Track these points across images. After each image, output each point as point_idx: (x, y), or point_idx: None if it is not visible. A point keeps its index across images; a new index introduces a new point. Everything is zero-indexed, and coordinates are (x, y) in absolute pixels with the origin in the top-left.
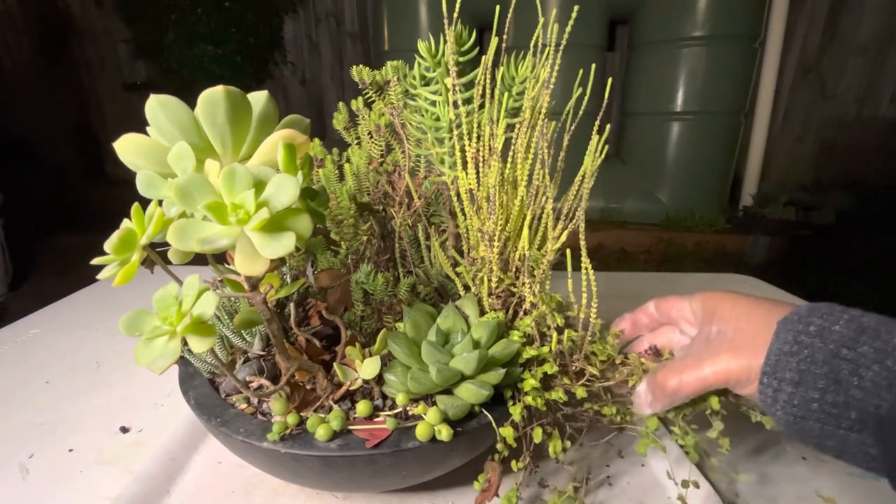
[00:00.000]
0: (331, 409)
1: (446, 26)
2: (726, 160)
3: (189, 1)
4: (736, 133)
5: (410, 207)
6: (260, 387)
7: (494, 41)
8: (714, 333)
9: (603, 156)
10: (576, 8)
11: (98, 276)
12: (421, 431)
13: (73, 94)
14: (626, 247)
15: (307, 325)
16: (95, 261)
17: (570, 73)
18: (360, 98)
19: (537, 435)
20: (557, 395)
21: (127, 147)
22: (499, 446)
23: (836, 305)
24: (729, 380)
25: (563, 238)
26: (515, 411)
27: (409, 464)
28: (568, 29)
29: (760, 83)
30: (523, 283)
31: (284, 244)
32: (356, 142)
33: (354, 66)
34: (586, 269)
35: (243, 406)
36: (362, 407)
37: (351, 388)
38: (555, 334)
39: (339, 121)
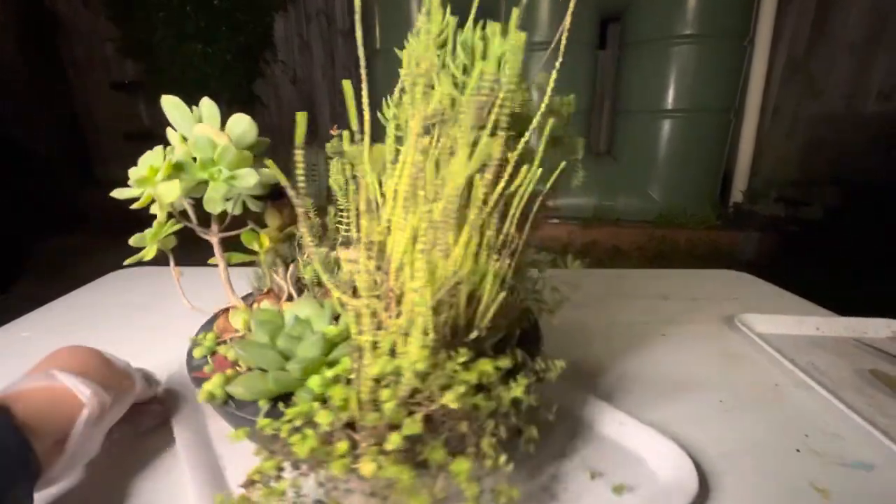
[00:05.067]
0: None
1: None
2: (717, 157)
3: None
4: (726, 130)
5: None
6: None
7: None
8: None
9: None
10: (572, 1)
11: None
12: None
13: (61, 94)
14: (618, 244)
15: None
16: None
17: (562, 70)
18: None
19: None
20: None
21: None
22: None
23: None
24: None
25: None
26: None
27: None
28: (566, 24)
29: (749, 81)
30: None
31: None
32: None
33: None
34: None
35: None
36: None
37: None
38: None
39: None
